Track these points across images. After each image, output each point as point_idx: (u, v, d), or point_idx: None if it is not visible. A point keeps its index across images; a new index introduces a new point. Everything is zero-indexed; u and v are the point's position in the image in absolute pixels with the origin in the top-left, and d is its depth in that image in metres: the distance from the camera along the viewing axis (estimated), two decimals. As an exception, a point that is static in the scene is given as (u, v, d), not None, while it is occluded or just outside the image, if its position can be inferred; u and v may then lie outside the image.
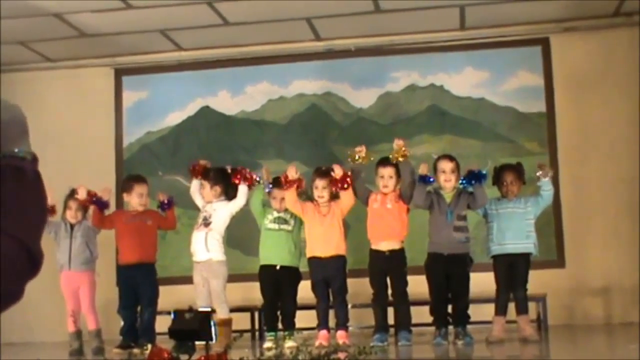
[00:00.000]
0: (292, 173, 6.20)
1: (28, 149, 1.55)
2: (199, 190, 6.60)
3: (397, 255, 6.11)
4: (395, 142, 6.15)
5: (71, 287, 6.61)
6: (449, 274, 6.06)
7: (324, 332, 6.10)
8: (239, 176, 6.40)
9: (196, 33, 8.01)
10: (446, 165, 6.19)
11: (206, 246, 6.39)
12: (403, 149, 6.10)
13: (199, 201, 6.61)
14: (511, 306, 6.15)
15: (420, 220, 6.31)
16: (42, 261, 1.47)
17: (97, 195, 6.54)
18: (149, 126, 8.57)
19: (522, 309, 6.10)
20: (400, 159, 6.12)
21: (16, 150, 1.53)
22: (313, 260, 6.22)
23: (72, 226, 6.64)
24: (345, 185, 6.10)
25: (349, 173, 6.14)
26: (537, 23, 7.93)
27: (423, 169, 6.12)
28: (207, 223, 6.43)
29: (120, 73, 8.66)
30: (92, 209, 6.57)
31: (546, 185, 6.14)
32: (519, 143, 7.99)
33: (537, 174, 6.16)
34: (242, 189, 6.38)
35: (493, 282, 6.18)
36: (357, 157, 6.20)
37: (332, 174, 6.15)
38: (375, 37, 8.19)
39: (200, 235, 6.42)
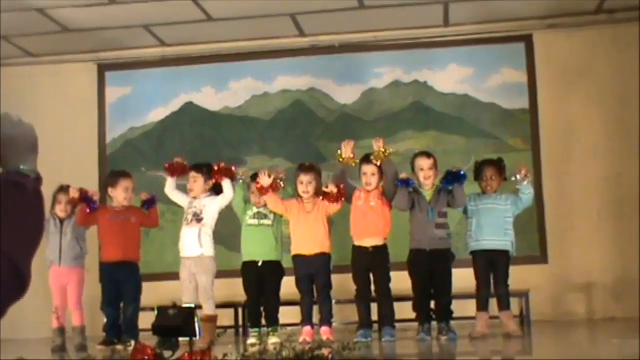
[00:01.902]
0: (265, 180, 6.18)
1: (33, 167, 1.53)
2: (175, 187, 6.54)
3: (381, 252, 6.12)
4: (374, 144, 6.14)
5: (60, 282, 6.61)
6: (431, 270, 6.08)
7: (308, 328, 6.11)
8: (219, 174, 6.37)
9: (180, 29, 7.99)
10: (424, 163, 6.20)
11: (199, 242, 6.36)
12: (383, 149, 6.09)
13: (178, 198, 6.55)
14: (495, 302, 6.17)
15: (402, 216, 6.32)
16: (29, 283, 1.44)
17: (87, 194, 6.53)
18: (132, 122, 8.54)
19: (504, 305, 6.12)
20: (384, 160, 6.11)
21: (21, 167, 1.51)
22: (298, 258, 6.22)
23: (61, 222, 6.63)
24: (339, 200, 6.12)
25: (342, 189, 6.12)
26: (520, 20, 7.96)
27: (403, 175, 6.14)
28: (199, 219, 6.41)
29: (103, 69, 8.62)
30: (79, 207, 6.55)
31: (526, 189, 6.13)
32: (503, 139, 8.02)
33: (517, 177, 6.12)
34: (226, 183, 6.37)
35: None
36: (343, 158, 6.18)
37: (326, 189, 6.13)
38: (360, 34, 8.20)
39: (193, 231, 6.39)
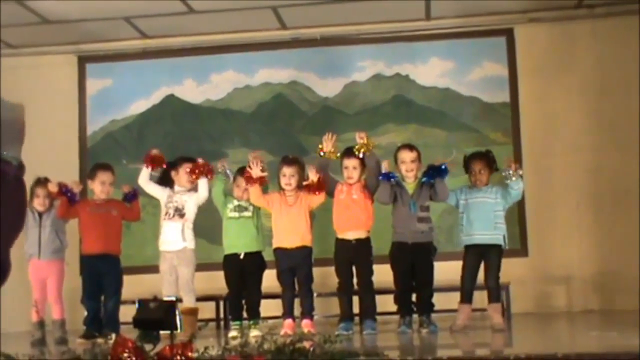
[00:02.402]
0: (256, 171, 6.18)
1: (17, 154, 1.51)
2: (149, 179, 6.50)
3: (363, 245, 6.12)
4: (357, 137, 6.14)
5: (39, 276, 6.57)
6: (413, 263, 6.09)
7: (289, 321, 6.11)
8: (196, 171, 6.35)
9: (161, 21, 7.96)
10: (407, 156, 6.20)
11: (183, 236, 6.38)
12: (366, 141, 6.09)
13: (153, 190, 6.50)
14: (481, 294, 6.18)
15: (385, 209, 6.33)
16: (9, 271, 1.42)
17: (67, 187, 6.48)
18: (113, 114, 8.51)
19: (493, 298, 6.12)
20: (366, 153, 6.11)
21: (4, 153, 1.49)
22: (279, 251, 6.22)
23: (40, 215, 6.58)
24: (320, 189, 6.11)
25: (322, 178, 6.11)
26: (501, 14, 7.99)
27: (386, 166, 6.13)
28: (181, 214, 6.40)
29: (83, 60, 8.58)
30: (60, 200, 6.50)
31: (516, 185, 6.09)
32: (484, 133, 8.06)
33: (508, 172, 6.09)
34: (202, 181, 6.36)
35: (458, 271, 6.19)
36: (324, 154, 6.19)
37: (307, 181, 6.13)
38: (341, 27, 8.20)
39: (176, 225, 6.39)
